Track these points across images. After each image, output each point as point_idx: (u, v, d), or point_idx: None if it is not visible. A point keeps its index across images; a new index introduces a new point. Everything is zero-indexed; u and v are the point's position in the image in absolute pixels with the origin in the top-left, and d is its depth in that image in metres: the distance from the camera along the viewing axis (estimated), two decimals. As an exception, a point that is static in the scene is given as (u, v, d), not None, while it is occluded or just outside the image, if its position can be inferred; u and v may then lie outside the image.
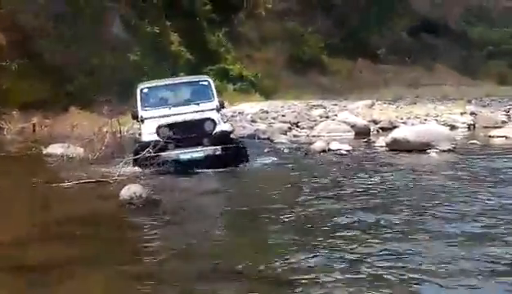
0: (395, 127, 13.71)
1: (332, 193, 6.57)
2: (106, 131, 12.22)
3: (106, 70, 17.89)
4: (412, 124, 15.47)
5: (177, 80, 10.95)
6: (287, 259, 4.18)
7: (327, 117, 17.67)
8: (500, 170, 8.04)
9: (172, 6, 22.07)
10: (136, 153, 8.42)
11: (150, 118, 9.05)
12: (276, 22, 30.12)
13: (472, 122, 16.16)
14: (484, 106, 23.36)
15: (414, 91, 30.39)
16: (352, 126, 13.93)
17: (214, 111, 9.29)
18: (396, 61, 35.25)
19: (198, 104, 9.38)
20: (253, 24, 28.10)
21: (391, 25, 36.50)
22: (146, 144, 8.35)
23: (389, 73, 33.95)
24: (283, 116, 17.83)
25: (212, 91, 9.60)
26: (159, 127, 8.53)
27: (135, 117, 9.36)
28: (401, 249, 4.29)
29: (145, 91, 9.44)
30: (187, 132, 8.58)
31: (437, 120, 16.84)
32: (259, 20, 28.50)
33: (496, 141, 12.10)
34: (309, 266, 4.01)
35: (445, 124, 15.20)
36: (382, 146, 10.93)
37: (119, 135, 13.00)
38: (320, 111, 19.51)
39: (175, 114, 9.04)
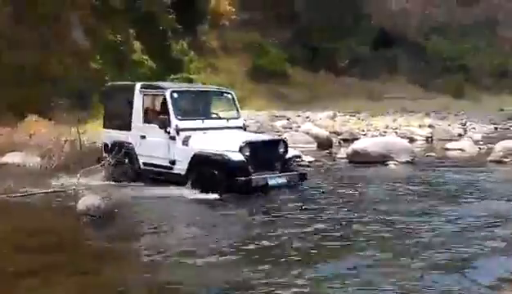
0: (356, 139, 13.97)
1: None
2: (65, 140, 11.99)
3: (67, 78, 17.50)
4: (372, 136, 15.79)
5: (202, 87, 10.07)
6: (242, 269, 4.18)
7: (290, 128, 17.82)
8: (454, 182, 8.29)
9: (136, 15, 21.85)
10: (231, 174, 7.20)
11: (187, 129, 7.80)
12: (240, 33, 30.26)
13: (430, 135, 16.61)
14: (442, 119, 24.07)
15: (374, 103, 31.00)
16: (315, 138, 14.10)
17: (242, 130, 8.57)
18: (357, 74, 35.90)
19: (227, 120, 8.53)
20: (216, 34, 28.14)
21: (352, 38, 37.17)
22: (239, 165, 7.26)
23: (350, 86, 34.53)
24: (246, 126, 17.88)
25: (237, 106, 8.78)
26: (244, 146, 7.40)
27: (165, 125, 7.78)
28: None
29: (176, 95, 8.02)
30: (264, 153, 7.68)
31: (396, 132, 17.26)
32: (223, 31, 28.56)
33: (452, 154, 12.46)
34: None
35: (404, 136, 15.57)
36: (343, 158, 11.09)
37: (78, 143, 12.81)
38: (283, 122, 19.67)
39: (208, 128, 7.99)
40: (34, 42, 17.32)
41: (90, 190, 7.17)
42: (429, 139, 16.09)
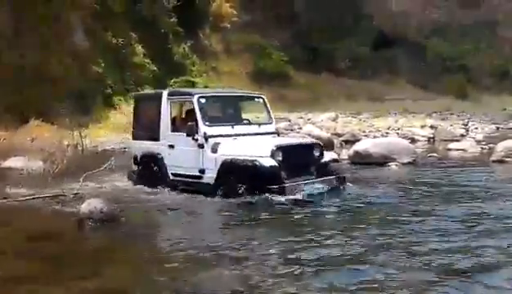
0: (358, 140, 13.96)
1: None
2: (68, 145, 12.01)
3: (68, 81, 17.52)
4: (374, 137, 15.79)
5: (231, 92, 9.47)
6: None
7: (292, 130, 17.83)
8: (457, 183, 8.28)
9: (137, 18, 21.91)
10: (272, 179, 6.73)
11: (214, 136, 7.41)
12: (242, 35, 30.29)
13: (432, 136, 16.61)
14: (443, 120, 24.06)
15: (376, 104, 30.98)
16: (317, 140, 14.07)
17: (275, 135, 8.19)
18: (358, 75, 35.90)
19: (259, 125, 8.18)
20: (218, 37, 28.20)
21: (353, 39, 37.19)
22: (271, 171, 6.76)
23: (351, 87, 34.54)
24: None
25: (269, 111, 8.37)
26: (276, 150, 6.94)
27: (192, 132, 7.40)
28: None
29: (203, 101, 7.67)
30: (298, 158, 7.23)
31: (398, 133, 17.27)
32: (224, 33, 28.60)
33: (454, 154, 12.46)
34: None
35: (406, 137, 15.58)
36: (345, 159, 11.10)
37: (80, 148, 12.83)
38: (285, 124, 19.69)
39: (238, 135, 7.59)
40: (34, 42, 17.31)
41: (95, 194, 7.17)
42: (431, 139, 16.10)
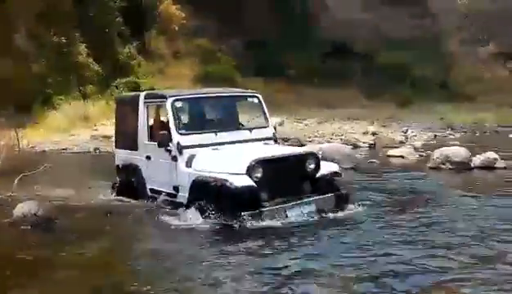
0: (302, 145, 14.16)
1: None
2: (3, 145, 11.53)
3: (7, 81, 16.85)
4: (318, 142, 16.06)
5: (217, 92, 7.73)
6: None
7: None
8: (393, 188, 8.53)
9: (81, 17, 21.36)
10: (239, 205, 5.62)
11: (190, 146, 6.34)
12: (190, 39, 30.08)
13: (373, 142, 17.04)
14: (385, 127, 24.76)
15: (323, 111, 31.51)
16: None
17: (271, 141, 7.00)
18: (307, 83, 36.44)
19: (250, 130, 6.97)
20: (165, 39, 27.86)
21: (304, 48, 37.76)
22: (244, 193, 5.66)
23: (301, 95, 34.99)
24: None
25: (265, 112, 7.15)
26: (253, 166, 5.78)
27: (165, 143, 6.37)
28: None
29: (179, 105, 6.57)
30: (284, 173, 6.01)
31: (341, 139, 17.62)
32: (172, 36, 28.30)
33: (394, 160, 12.81)
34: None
35: (348, 143, 15.90)
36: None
37: (17, 149, 12.34)
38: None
39: (222, 143, 6.49)
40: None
41: (29, 196, 6.91)
42: (372, 146, 16.50)
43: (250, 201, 5.70)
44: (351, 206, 6.34)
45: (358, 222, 5.93)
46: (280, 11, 37.44)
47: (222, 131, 6.75)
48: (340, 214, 6.10)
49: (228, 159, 6.14)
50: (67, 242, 5.41)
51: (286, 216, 5.81)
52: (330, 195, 6.23)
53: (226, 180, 5.73)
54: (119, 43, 23.27)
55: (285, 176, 6.06)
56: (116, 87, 21.14)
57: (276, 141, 7.13)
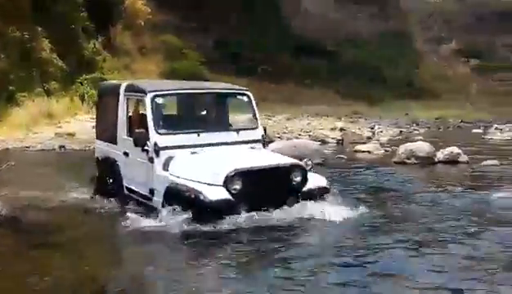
0: (271, 142, 14.18)
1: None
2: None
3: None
4: (287, 139, 16.14)
5: (203, 87, 7.00)
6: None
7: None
8: (359, 182, 8.65)
9: (44, 12, 20.82)
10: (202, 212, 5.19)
11: (169, 147, 5.82)
12: (156, 34, 29.75)
13: (341, 138, 17.23)
14: (353, 123, 25.09)
15: (292, 108, 31.68)
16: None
17: (259, 144, 6.41)
18: (276, 80, 36.55)
19: (237, 131, 6.36)
20: (131, 35, 27.47)
21: (272, 45, 37.83)
22: (219, 207, 5.24)
23: (269, 91, 35.06)
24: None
25: (254, 112, 6.53)
26: (232, 177, 5.31)
27: (141, 142, 5.84)
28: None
29: (160, 101, 6.01)
30: (266, 186, 5.46)
31: (310, 135, 17.75)
32: (138, 31, 27.92)
33: (360, 156, 12.99)
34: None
35: (317, 139, 16.03)
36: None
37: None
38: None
39: (204, 145, 5.93)
40: None
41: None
42: (340, 142, 16.68)
43: (226, 216, 5.23)
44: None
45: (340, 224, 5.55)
46: (250, 8, 37.40)
47: (205, 131, 6.13)
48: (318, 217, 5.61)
49: (205, 167, 5.60)
50: (32, 242, 5.27)
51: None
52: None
53: (201, 192, 5.25)
54: (83, 39, 22.80)
55: (268, 189, 5.46)
56: (81, 84, 20.71)
57: (264, 144, 6.55)
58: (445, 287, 3.84)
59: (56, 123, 17.49)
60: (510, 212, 6.13)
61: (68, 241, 5.31)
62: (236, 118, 7.06)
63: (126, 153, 6.35)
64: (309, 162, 6.12)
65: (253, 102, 6.56)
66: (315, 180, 5.91)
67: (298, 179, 5.69)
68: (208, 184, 5.35)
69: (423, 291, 3.78)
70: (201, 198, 5.23)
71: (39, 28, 20.44)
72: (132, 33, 27.19)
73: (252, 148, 6.30)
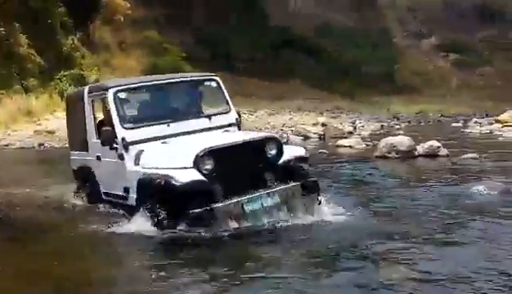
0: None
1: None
2: None
3: None
4: (269, 134, 16.11)
5: (167, 78, 6.68)
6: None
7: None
8: (342, 176, 8.69)
9: (21, 7, 20.47)
10: (174, 204, 4.93)
11: (138, 141, 5.67)
12: (136, 30, 29.49)
13: (322, 133, 17.29)
14: (334, 118, 25.20)
15: (273, 103, 31.71)
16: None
17: (234, 127, 6.30)
18: (256, 74, 36.50)
19: (209, 117, 6.24)
20: (110, 30, 27.19)
21: (252, 39, 37.75)
22: (191, 189, 4.90)
23: (250, 86, 35.02)
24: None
25: (225, 96, 6.47)
26: (202, 157, 5.05)
27: (108, 140, 5.70)
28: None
29: (123, 95, 5.87)
30: (241, 163, 5.24)
31: (292, 130, 17.78)
32: (118, 27, 27.64)
33: (342, 150, 13.04)
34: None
35: (299, 134, 16.06)
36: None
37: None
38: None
39: (176, 135, 5.82)
40: None
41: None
42: (322, 136, 16.73)
43: (200, 198, 4.90)
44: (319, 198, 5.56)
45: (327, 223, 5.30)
46: (232, 3, 37.23)
47: (175, 121, 5.97)
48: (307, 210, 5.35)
49: (175, 152, 5.41)
50: (15, 241, 5.21)
51: (244, 212, 4.99)
52: (295, 184, 5.35)
53: (171, 177, 4.95)
54: (62, 34, 22.49)
55: (242, 166, 5.24)
56: (60, 80, 20.46)
57: (239, 127, 6.36)
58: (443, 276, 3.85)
59: (36, 121, 17.26)
60: (490, 204, 6.20)
61: (42, 241, 5.23)
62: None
63: (98, 157, 6.21)
64: (284, 135, 5.93)
65: (223, 86, 6.50)
66: (292, 151, 5.69)
67: (274, 152, 5.44)
68: (179, 168, 5.07)
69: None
70: (172, 182, 4.92)
71: (16, 24, 20.11)
72: (111, 29, 26.93)
73: (225, 131, 6.18)
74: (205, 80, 6.59)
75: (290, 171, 5.47)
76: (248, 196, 5.08)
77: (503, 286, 3.66)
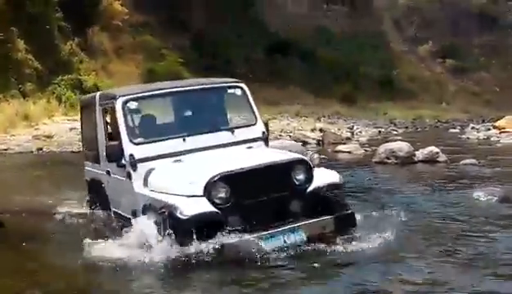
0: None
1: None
2: None
3: None
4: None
5: (185, 85, 5.87)
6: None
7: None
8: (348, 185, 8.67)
9: (19, 12, 20.45)
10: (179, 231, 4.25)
11: (149, 158, 4.95)
12: (134, 35, 29.48)
13: (321, 139, 17.30)
14: (332, 124, 25.22)
15: (270, 108, 31.69)
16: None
17: (260, 142, 5.46)
18: (253, 79, 36.50)
19: (232, 130, 5.43)
20: (109, 36, 27.17)
21: (249, 45, 37.82)
22: (198, 224, 4.22)
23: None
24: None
25: (251, 105, 5.65)
26: (214, 183, 4.36)
27: (115, 156, 5.04)
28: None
29: (133, 106, 5.15)
30: (263, 191, 4.49)
31: (290, 136, 17.77)
32: (116, 32, 27.64)
33: (341, 156, 13.06)
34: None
35: (297, 140, 16.05)
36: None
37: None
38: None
39: (192, 151, 5.04)
40: None
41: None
42: (320, 142, 16.73)
43: (209, 233, 4.19)
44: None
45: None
46: (229, 8, 37.30)
47: (192, 134, 5.16)
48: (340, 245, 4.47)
49: (185, 175, 4.63)
50: (11, 246, 5.18)
51: (262, 251, 4.21)
52: (326, 218, 4.56)
53: (175, 207, 4.25)
54: (59, 39, 22.47)
55: (263, 195, 4.47)
56: (57, 85, 20.43)
57: (267, 142, 5.56)
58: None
59: (34, 125, 17.22)
60: (491, 210, 6.22)
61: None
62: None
63: (108, 173, 5.51)
64: (315, 156, 5.08)
65: (249, 95, 5.69)
66: (323, 176, 4.83)
67: (301, 177, 4.64)
68: (187, 196, 4.35)
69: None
70: (176, 214, 4.22)
71: (14, 29, 20.08)
72: (109, 34, 26.90)
73: (249, 147, 5.32)
74: (229, 87, 5.78)
75: (321, 201, 4.64)
76: (267, 232, 4.32)
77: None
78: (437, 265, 4.27)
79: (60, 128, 16.11)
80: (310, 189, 4.66)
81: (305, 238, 4.38)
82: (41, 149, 14.19)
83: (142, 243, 4.42)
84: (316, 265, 4.15)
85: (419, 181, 8.66)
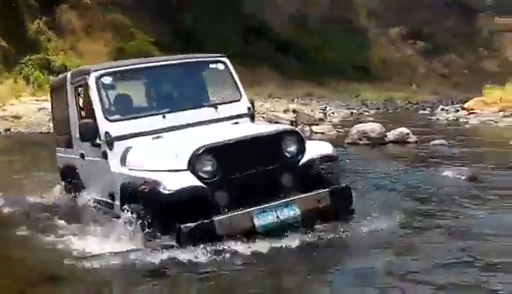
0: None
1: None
2: None
3: None
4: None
5: (163, 60, 5.54)
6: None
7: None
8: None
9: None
10: (165, 216, 3.91)
11: (126, 136, 4.63)
12: (104, 14, 28.85)
13: (294, 120, 17.36)
14: (305, 105, 25.35)
15: (244, 90, 31.68)
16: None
17: (245, 118, 5.17)
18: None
19: (215, 106, 5.12)
20: (77, 14, 26.52)
21: (224, 27, 37.51)
22: (183, 199, 3.88)
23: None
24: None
25: (235, 80, 5.31)
26: (199, 156, 4.05)
27: (89, 135, 4.68)
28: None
29: (108, 81, 4.82)
30: (252, 164, 4.19)
31: (263, 117, 17.76)
32: (84, 10, 26.99)
33: (314, 137, 13.14)
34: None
35: (270, 121, 16.06)
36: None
37: None
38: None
39: (171, 127, 4.76)
40: None
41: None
42: (293, 123, 16.79)
43: (196, 208, 3.87)
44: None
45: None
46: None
47: (172, 111, 4.86)
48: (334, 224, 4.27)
49: (167, 150, 4.33)
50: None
51: (254, 226, 3.96)
52: (321, 191, 4.29)
53: (158, 183, 3.92)
54: (27, 18, 21.85)
55: (252, 168, 4.17)
56: (25, 65, 19.93)
57: (253, 119, 5.25)
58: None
59: (1, 106, 16.80)
60: (459, 188, 6.38)
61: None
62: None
63: (82, 155, 5.17)
64: (306, 128, 4.75)
65: (232, 69, 5.33)
66: (316, 148, 4.55)
67: (293, 148, 4.34)
68: (170, 170, 4.06)
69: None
70: (159, 189, 3.89)
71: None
72: (77, 12, 26.25)
73: (235, 124, 5.03)
74: (210, 62, 5.40)
75: (315, 175, 4.40)
76: (259, 206, 4.04)
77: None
78: (407, 242, 4.36)
79: (29, 109, 15.76)
80: (302, 161, 4.37)
81: (299, 213, 4.11)
82: (9, 129, 13.89)
83: (121, 235, 4.09)
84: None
85: (391, 162, 8.81)
